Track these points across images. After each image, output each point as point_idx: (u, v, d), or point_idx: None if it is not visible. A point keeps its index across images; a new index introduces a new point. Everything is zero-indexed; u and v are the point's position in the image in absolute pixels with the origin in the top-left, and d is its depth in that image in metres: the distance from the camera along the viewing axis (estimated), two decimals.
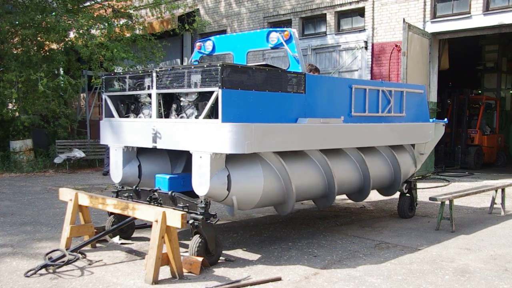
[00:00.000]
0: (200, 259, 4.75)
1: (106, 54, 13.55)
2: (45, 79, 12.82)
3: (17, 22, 12.96)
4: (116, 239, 5.97)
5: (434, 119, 8.23)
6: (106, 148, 13.45)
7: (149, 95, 5.59)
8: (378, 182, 6.92)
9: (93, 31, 14.30)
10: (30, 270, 4.71)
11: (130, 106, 5.99)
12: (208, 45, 6.69)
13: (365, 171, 6.47)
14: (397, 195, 7.69)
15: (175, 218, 4.49)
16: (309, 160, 5.87)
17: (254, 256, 5.37)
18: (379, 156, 6.97)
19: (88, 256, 5.26)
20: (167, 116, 5.50)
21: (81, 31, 13.90)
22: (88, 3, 15.68)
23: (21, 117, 14.00)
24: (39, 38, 14.06)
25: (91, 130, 15.72)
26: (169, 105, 5.52)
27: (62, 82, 14.31)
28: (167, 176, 5.54)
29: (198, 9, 17.78)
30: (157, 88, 5.42)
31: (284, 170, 5.35)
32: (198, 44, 6.82)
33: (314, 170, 5.87)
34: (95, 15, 14.70)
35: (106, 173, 12.80)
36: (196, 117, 5.15)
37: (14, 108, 15.09)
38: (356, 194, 6.79)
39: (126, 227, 5.88)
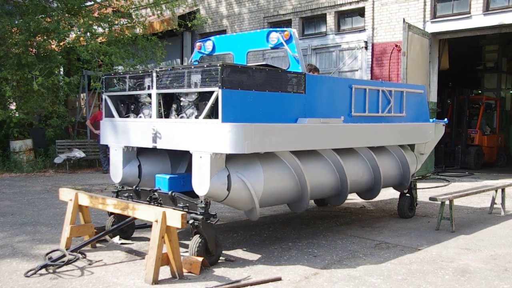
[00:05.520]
0: (200, 259, 4.75)
1: (105, 59, 13.53)
2: (40, 78, 12.79)
3: (16, 22, 12.95)
4: (116, 239, 5.97)
5: (434, 119, 8.23)
6: (100, 147, 13.48)
7: (149, 95, 5.59)
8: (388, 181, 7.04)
9: (93, 32, 14.30)
10: (30, 270, 4.71)
11: (130, 106, 5.99)
12: (208, 45, 6.70)
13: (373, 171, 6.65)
14: (397, 195, 7.69)
15: (175, 218, 4.49)
16: (321, 160, 6.00)
17: (254, 256, 5.37)
18: (389, 155, 7.11)
19: (88, 256, 5.26)
20: (167, 116, 5.49)
21: (81, 30, 13.89)
22: (88, 3, 15.68)
23: (12, 116, 13.89)
24: (38, 38, 14.05)
25: (91, 130, 15.71)
26: (169, 105, 5.52)
27: (61, 81, 14.30)
28: (167, 176, 5.54)
29: (198, 9, 17.79)
30: (157, 88, 5.42)
31: (299, 169, 5.45)
32: (198, 44, 6.82)
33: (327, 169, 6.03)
34: (95, 15, 14.69)
35: (106, 171, 12.80)
36: (196, 117, 5.15)
37: (12, 107, 15.08)
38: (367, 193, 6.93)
39: (126, 227, 5.87)
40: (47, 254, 5.13)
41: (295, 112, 5.48)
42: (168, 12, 15.80)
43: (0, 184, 11.13)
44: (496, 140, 16.81)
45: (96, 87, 14.77)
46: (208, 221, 4.93)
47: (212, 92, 4.84)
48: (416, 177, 8.07)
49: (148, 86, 5.55)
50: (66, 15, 14.05)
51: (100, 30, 14.55)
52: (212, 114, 4.95)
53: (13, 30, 13.70)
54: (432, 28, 12.87)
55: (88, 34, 14.07)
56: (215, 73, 4.78)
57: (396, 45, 13.24)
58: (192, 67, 5.09)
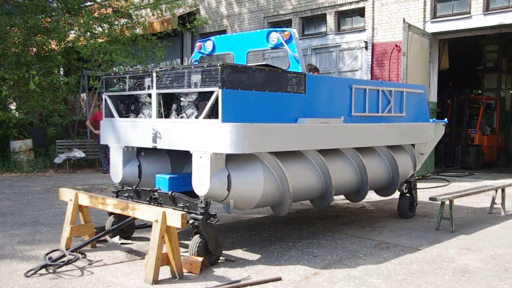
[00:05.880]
0: (200, 259, 4.75)
1: (104, 57, 13.52)
2: (37, 77, 12.77)
3: (12, 23, 12.93)
4: (116, 239, 5.97)
5: (434, 119, 8.23)
6: (100, 147, 13.48)
7: (149, 95, 5.59)
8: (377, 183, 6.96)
9: (94, 31, 14.30)
10: (30, 270, 4.71)
11: (130, 106, 5.99)
12: (208, 45, 6.70)
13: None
14: (397, 195, 7.69)
15: (175, 218, 4.49)
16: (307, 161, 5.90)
17: (254, 256, 5.37)
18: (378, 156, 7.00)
19: (88, 256, 5.26)
20: (167, 116, 5.49)
21: (81, 30, 13.88)
22: (88, 3, 15.68)
23: (12, 117, 13.87)
24: (39, 38, 14.04)
25: (91, 130, 15.72)
26: (169, 105, 5.52)
27: (61, 80, 14.29)
28: (167, 176, 5.55)
29: (198, 9, 17.79)
30: (157, 88, 5.42)
31: (281, 170, 5.35)
32: (198, 44, 6.82)
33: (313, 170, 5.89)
34: (95, 15, 14.69)
35: (106, 171, 12.80)
36: (196, 117, 5.15)
37: (12, 107, 15.07)
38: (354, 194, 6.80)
39: (126, 227, 5.87)
40: (47, 254, 5.13)
41: (295, 112, 5.48)
42: (168, 12, 15.80)
43: (0, 184, 11.14)
44: (496, 140, 16.81)
45: (95, 85, 14.77)
46: (208, 221, 4.93)
47: (212, 92, 4.84)
48: (416, 177, 8.06)
49: (148, 86, 5.55)
50: (66, 14, 14.03)
51: (100, 30, 14.55)
52: (212, 114, 4.95)
53: (12, 30, 13.70)
54: (432, 28, 12.87)
55: (88, 34, 14.06)
56: (215, 73, 4.77)
57: (396, 45, 13.24)
58: (192, 67, 5.09)
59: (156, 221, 4.53)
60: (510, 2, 11.80)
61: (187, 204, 5.07)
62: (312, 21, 15.44)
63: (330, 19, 14.73)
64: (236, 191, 5.03)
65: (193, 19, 16.34)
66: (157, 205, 5.25)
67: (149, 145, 5.51)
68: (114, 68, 14.36)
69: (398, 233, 6.55)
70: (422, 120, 7.60)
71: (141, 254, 5.43)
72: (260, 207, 5.83)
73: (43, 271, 4.75)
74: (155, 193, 5.44)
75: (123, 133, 5.88)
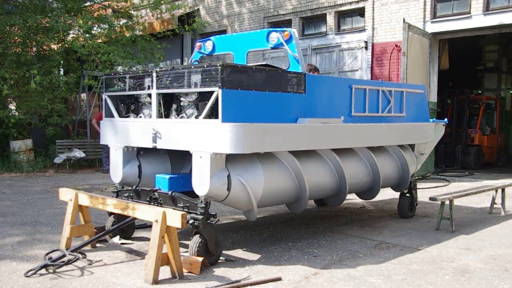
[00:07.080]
0: (200, 259, 4.75)
1: (102, 57, 13.52)
2: (38, 76, 12.76)
3: (12, 22, 12.93)
4: (116, 239, 5.97)
5: (434, 119, 8.23)
6: (103, 147, 13.47)
7: (149, 95, 5.60)
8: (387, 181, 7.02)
9: (93, 32, 14.30)
10: (30, 270, 4.71)
11: (130, 106, 5.99)
12: (208, 45, 6.70)
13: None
14: (397, 195, 7.70)
15: (175, 218, 4.49)
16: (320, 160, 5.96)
17: (254, 256, 5.37)
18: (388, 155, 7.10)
19: (88, 256, 5.26)
20: (167, 116, 5.50)
21: (81, 31, 13.89)
22: (88, 3, 15.67)
23: (11, 115, 13.82)
24: (38, 38, 14.04)
25: (91, 130, 15.72)
26: (169, 105, 5.52)
27: (61, 80, 14.27)
28: (167, 176, 5.55)
29: (198, 9, 17.79)
30: (157, 88, 5.42)
31: (298, 168, 5.43)
32: (198, 44, 6.82)
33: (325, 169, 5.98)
34: (95, 15, 14.69)
35: (107, 171, 12.80)
36: (196, 117, 5.15)
37: (12, 107, 15.07)
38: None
39: (126, 227, 5.87)
40: (47, 254, 5.13)
41: (295, 112, 5.48)
42: (167, 13, 15.79)
43: (0, 184, 11.14)
44: (496, 140, 16.81)
45: (90, 84, 14.77)
46: (208, 221, 4.93)
47: (212, 92, 4.84)
48: (416, 177, 8.06)
49: (148, 86, 5.55)
50: (66, 14, 14.04)
51: (99, 30, 14.53)
52: (212, 114, 4.96)
53: (12, 30, 13.69)
54: (432, 28, 12.87)
55: (87, 35, 14.06)
56: (215, 73, 4.78)
57: (396, 45, 13.24)
58: (192, 67, 5.09)
59: (156, 221, 4.53)
60: (510, 2, 11.81)
61: (187, 204, 5.07)
62: (312, 21, 15.44)
63: (330, 19, 14.73)
64: (236, 191, 5.03)
65: (192, 21, 16.32)
66: (157, 205, 5.25)
67: (149, 145, 5.51)
68: (115, 68, 14.35)
69: (398, 233, 6.55)
70: (422, 120, 7.60)
71: (141, 254, 5.43)
72: (260, 207, 5.82)
73: (43, 271, 4.75)
74: (155, 193, 5.44)
75: (123, 133, 5.88)
